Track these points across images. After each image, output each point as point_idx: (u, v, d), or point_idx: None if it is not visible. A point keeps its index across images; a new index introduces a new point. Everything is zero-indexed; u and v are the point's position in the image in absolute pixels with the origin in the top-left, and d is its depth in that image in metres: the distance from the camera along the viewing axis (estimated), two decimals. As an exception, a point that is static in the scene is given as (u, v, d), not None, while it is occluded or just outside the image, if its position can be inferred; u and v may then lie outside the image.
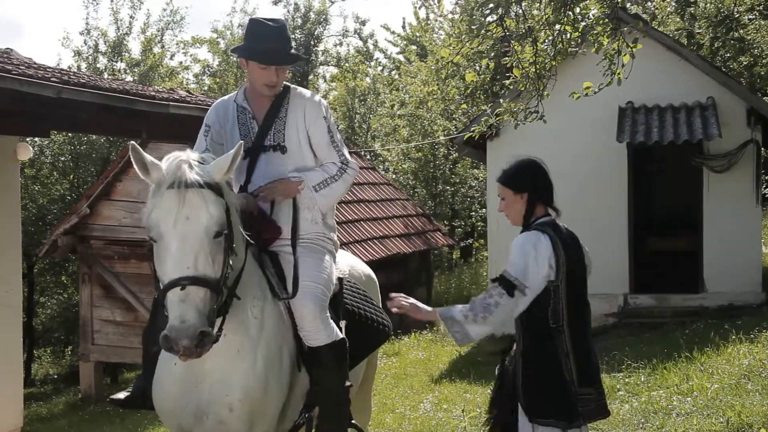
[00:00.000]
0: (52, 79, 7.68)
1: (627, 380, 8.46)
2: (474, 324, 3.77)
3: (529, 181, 3.98)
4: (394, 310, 4.02)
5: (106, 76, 23.54)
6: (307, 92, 4.34)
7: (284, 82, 4.26)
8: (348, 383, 4.18)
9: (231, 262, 3.55)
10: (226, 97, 4.42)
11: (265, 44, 4.08)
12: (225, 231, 3.49)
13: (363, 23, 34.03)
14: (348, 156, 4.34)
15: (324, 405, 4.15)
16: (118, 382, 18.12)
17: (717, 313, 13.22)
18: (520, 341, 3.96)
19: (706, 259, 14.06)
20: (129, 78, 25.60)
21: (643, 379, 8.41)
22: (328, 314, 4.09)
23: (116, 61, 26.68)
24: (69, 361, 22.78)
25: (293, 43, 4.14)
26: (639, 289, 14.34)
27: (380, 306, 4.81)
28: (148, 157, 3.47)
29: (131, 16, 27.20)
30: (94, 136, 22.39)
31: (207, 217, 3.41)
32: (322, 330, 4.02)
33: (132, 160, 3.45)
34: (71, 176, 23.76)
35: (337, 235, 4.54)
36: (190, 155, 3.54)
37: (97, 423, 12.45)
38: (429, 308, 3.97)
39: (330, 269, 4.25)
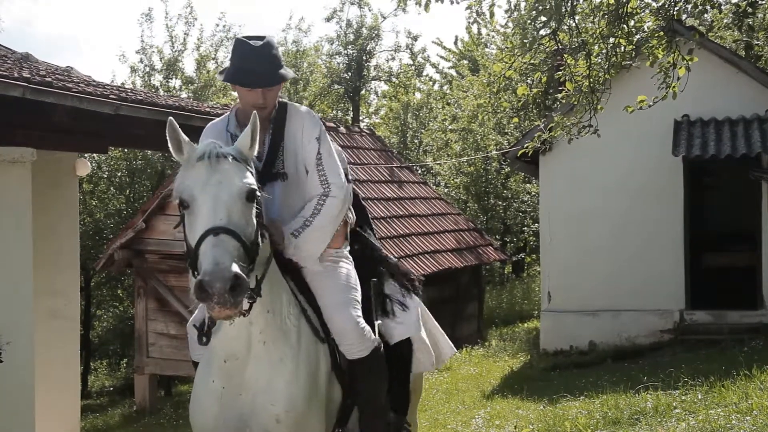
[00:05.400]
0: (110, 96, 7.81)
1: (683, 398, 8.28)
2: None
3: None
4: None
5: (161, 93, 23.89)
6: (303, 109, 4.13)
7: (280, 100, 4.08)
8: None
9: (261, 242, 3.45)
10: (217, 122, 4.15)
11: (249, 65, 3.90)
12: (258, 196, 3.45)
13: (415, 38, 34.02)
14: (337, 178, 3.97)
15: (367, 411, 4.05)
16: (172, 395, 18.31)
17: (777, 330, 12.94)
18: None
19: (765, 275, 13.77)
20: (184, 95, 25.92)
21: (700, 396, 8.22)
22: (364, 322, 3.98)
23: (171, 79, 27.04)
24: (124, 374, 23.04)
25: (281, 61, 3.96)
26: (695, 305, 14.09)
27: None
28: (184, 136, 3.47)
29: (186, 33, 27.51)
30: (149, 152, 22.73)
31: (239, 180, 3.37)
32: (364, 339, 3.93)
33: (167, 135, 3.44)
34: (127, 191, 24.11)
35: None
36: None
37: (152, 435, 12.62)
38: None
39: (353, 274, 4.13)
